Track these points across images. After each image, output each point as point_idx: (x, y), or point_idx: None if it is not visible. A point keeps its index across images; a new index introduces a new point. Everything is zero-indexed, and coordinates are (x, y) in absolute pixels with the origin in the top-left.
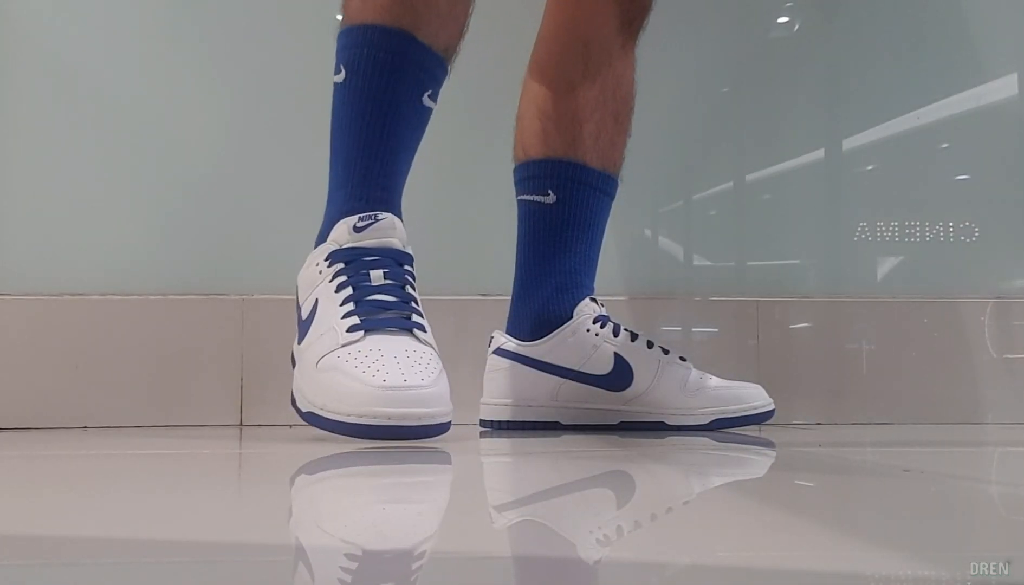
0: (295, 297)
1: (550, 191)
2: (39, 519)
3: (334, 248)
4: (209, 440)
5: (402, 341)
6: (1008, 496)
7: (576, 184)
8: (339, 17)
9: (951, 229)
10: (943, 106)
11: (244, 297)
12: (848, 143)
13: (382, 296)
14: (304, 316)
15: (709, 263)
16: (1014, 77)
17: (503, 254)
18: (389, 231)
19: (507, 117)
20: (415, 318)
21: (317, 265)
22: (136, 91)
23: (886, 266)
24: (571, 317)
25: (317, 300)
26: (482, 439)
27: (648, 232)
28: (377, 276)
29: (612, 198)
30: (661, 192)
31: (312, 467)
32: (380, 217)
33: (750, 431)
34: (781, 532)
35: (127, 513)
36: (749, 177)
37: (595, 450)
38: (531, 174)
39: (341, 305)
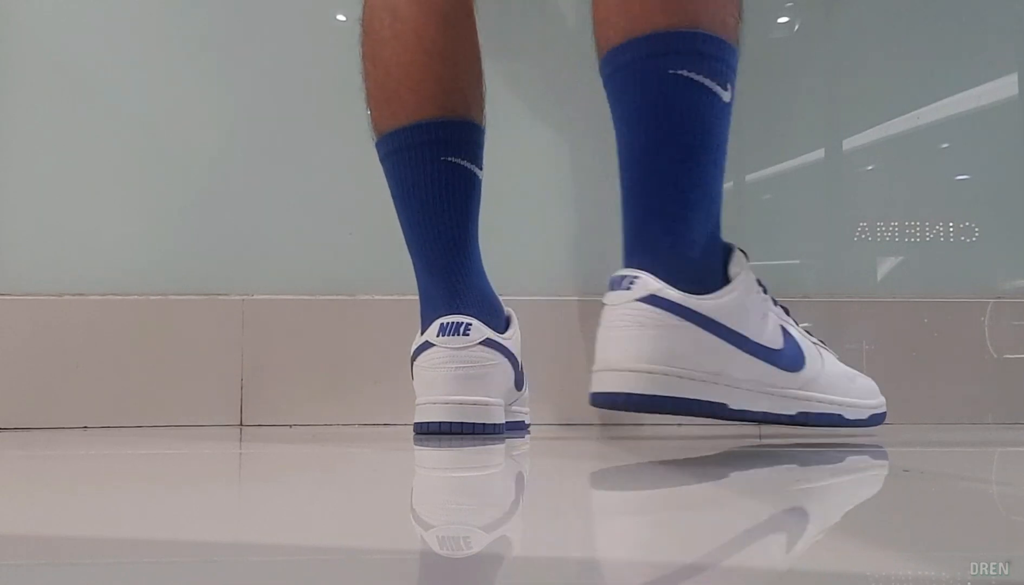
0: (730, 327)
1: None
2: (39, 519)
3: (755, 276)
4: (209, 440)
5: None
6: (1008, 496)
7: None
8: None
9: (951, 229)
10: (943, 106)
11: (244, 297)
12: (848, 143)
13: None
14: (779, 345)
15: None
16: (1014, 77)
17: (511, 255)
18: None
19: (519, 116)
20: None
21: (757, 293)
22: (137, 91)
23: (886, 266)
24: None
25: (782, 327)
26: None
27: None
28: None
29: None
30: None
31: (312, 466)
32: None
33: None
34: (781, 532)
35: (127, 513)
36: (749, 177)
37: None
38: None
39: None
